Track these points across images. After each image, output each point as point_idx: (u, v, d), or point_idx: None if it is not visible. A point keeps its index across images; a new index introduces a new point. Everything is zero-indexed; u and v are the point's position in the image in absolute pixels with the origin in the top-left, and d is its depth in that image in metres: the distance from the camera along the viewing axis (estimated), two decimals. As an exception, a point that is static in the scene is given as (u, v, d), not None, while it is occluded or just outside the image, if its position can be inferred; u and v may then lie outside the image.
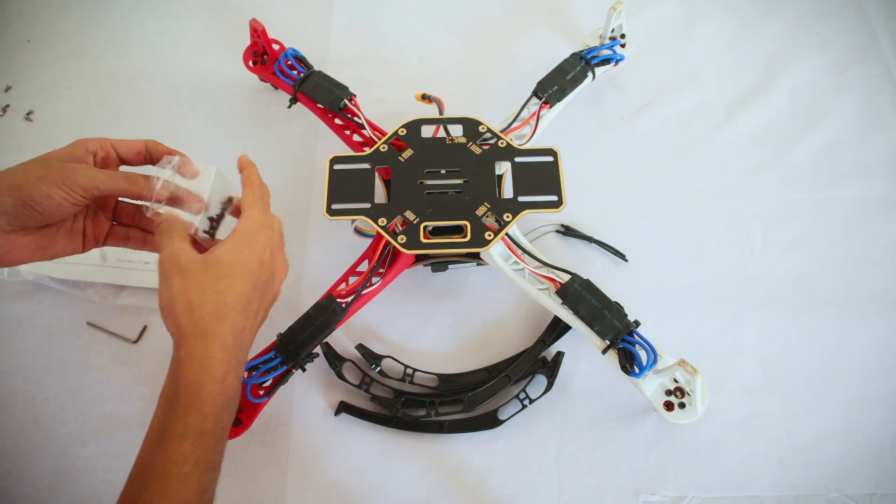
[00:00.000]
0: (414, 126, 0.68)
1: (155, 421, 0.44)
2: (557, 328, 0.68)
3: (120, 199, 0.55)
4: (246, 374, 0.60)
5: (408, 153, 0.66)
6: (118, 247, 0.55)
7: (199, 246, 0.50)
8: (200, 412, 0.43)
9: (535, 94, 0.73)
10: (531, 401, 0.64)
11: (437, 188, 0.64)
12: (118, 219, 0.55)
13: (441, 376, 0.66)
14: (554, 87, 0.73)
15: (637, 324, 0.61)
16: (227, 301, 0.46)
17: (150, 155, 0.53)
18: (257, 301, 0.49)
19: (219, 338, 0.45)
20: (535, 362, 0.67)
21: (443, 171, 0.65)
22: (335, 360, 0.66)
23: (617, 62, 0.78)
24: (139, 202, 0.53)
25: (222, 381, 0.45)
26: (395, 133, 0.67)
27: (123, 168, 0.53)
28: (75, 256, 0.69)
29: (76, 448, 0.64)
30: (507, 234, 0.63)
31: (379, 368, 0.66)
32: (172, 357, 0.45)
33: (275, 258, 0.51)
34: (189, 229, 0.49)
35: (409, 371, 0.66)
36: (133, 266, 0.71)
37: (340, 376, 0.66)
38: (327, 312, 0.61)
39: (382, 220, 0.62)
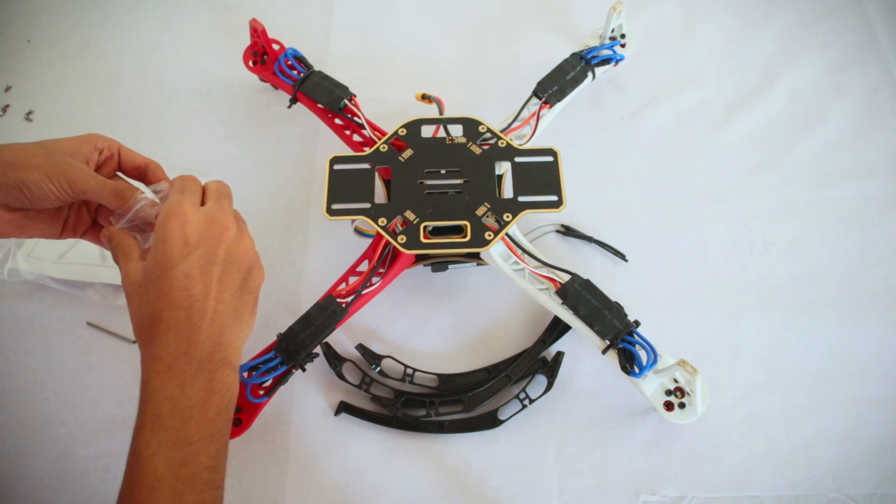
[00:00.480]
0: (414, 126, 0.68)
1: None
2: (557, 328, 0.68)
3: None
4: (246, 374, 0.60)
5: (408, 153, 0.66)
6: (94, 244, 0.55)
7: None
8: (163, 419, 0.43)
9: (535, 94, 0.73)
10: (531, 401, 0.64)
11: (437, 188, 0.64)
12: (98, 219, 0.55)
13: (441, 376, 0.66)
14: (554, 87, 0.73)
15: (637, 324, 0.61)
16: (158, 303, 0.44)
17: (147, 175, 0.54)
18: (205, 283, 0.45)
19: (159, 344, 0.44)
20: (535, 362, 0.67)
21: (443, 171, 0.65)
22: (335, 360, 0.66)
23: (617, 62, 0.78)
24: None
25: (179, 392, 0.43)
26: (395, 133, 0.67)
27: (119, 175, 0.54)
28: (75, 256, 0.69)
29: (76, 448, 0.64)
30: (507, 234, 0.63)
31: (379, 368, 0.66)
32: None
33: (208, 232, 0.46)
34: (136, 250, 0.48)
35: (410, 371, 0.66)
36: None
37: (340, 376, 0.66)
38: (327, 312, 0.61)
39: (382, 220, 0.62)
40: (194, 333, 0.44)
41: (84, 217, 0.54)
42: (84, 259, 0.70)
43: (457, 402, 0.65)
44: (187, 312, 0.44)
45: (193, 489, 0.42)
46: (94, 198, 0.49)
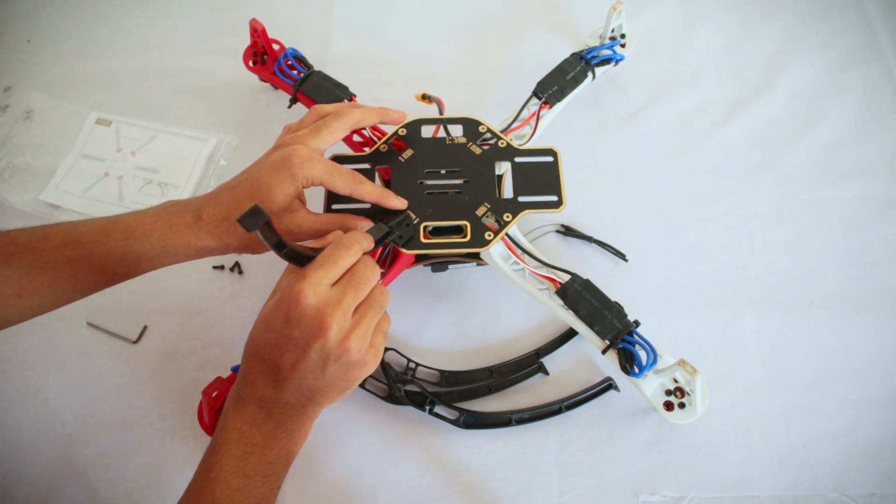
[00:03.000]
0: (414, 126, 0.68)
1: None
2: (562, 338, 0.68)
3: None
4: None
5: (408, 153, 0.66)
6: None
7: None
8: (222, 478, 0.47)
9: (535, 94, 0.73)
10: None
11: (437, 188, 0.64)
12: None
13: (443, 373, 0.66)
14: (554, 87, 0.73)
15: (637, 324, 0.61)
16: (263, 342, 0.48)
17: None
18: (294, 361, 0.46)
19: (246, 381, 0.49)
20: (533, 365, 0.67)
21: (443, 171, 0.65)
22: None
23: (617, 62, 0.78)
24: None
25: (246, 451, 0.48)
26: (395, 133, 0.67)
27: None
28: (96, 193, 0.77)
29: (76, 448, 0.64)
30: (507, 234, 0.63)
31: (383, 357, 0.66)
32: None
33: (308, 324, 0.45)
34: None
35: (412, 365, 0.66)
36: None
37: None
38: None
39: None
40: (275, 389, 0.47)
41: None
42: (104, 197, 0.77)
43: (458, 403, 0.65)
44: (274, 372, 0.47)
45: None
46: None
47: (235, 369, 0.60)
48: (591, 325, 0.61)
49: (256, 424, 0.47)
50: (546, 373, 0.67)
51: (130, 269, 0.53)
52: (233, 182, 0.54)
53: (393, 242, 0.59)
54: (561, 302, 0.62)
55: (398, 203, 0.59)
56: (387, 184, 0.67)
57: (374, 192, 0.58)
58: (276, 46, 0.77)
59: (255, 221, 0.41)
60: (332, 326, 0.45)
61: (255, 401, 0.48)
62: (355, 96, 0.72)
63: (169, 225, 0.51)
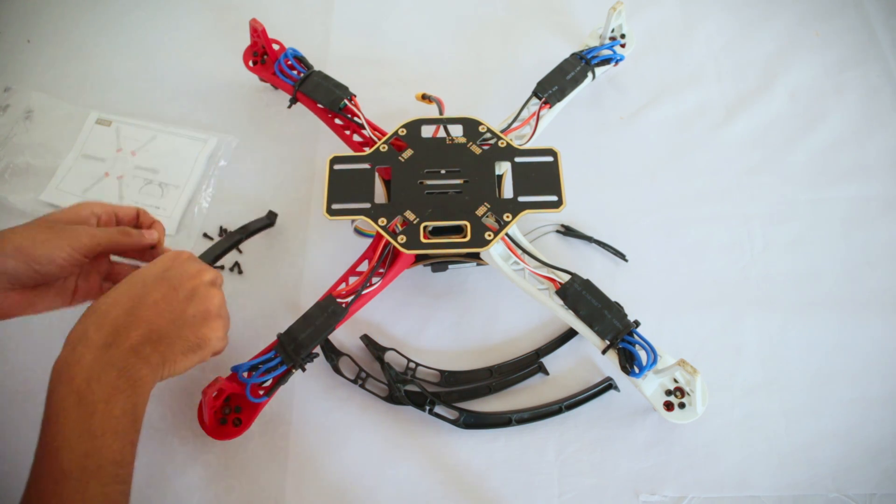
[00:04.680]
0: (414, 126, 0.68)
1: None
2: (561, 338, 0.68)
3: (114, 258, 0.60)
4: (246, 374, 0.60)
5: (408, 153, 0.66)
6: None
7: None
8: (83, 421, 0.45)
9: (535, 94, 0.73)
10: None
11: (437, 188, 0.64)
12: (112, 278, 0.59)
13: (443, 373, 0.67)
14: (554, 87, 0.73)
15: (637, 324, 0.61)
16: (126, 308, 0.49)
17: (139, 220, 0.60)
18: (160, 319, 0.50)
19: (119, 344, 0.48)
20: (533, 365, 0.67)
21: (443, 171, 0.65)
22: (332, 353, 0.66)
23: (617, 62, 0.78)
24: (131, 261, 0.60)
25: (108, 388, 0.46)
26: (395, 133, 0.67)
27: None
28: (96, 194, 0.77)
29: (76, 448, 0.64)
30: (507, 234, 0.63)
31: (385, 361, 0.66)
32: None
33: (183, 282, 0.52)
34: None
35: (412, 365, 0.66)
36: None
37: (336, 370, 0.66)
38: (327, 312, 0.61)
39: (382, 220, 0.62)
40: (117, 334, 0.48)
41: (94, 280, 0.58)
42: (104, 197, 0.77)
43: (457, 403, 0.65)
44: (128, 315, 0.49)
45: (99, 482, 0.44)
46: (108, 246, 0.54)
47: (235, 369, 0.60)
48: (591, 325, 0.61)
49: (94, 378, 0.45)
50: (546, 373, 0.67)
51: None
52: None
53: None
54: (561, 302, 0.62)
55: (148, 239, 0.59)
56: (387, 184, 0.67)
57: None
58: (276, 46, 0.77)
59: None
60: (206, 272, 0.54)
61: (92, 351, 0.46)
62: (355, 96, 0.72)
63: None
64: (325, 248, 0.74)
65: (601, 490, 0.62)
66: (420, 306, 0.71)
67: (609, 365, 0.67)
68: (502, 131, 0.69)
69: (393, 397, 0.65)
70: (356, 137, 0.72)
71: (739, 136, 0.80)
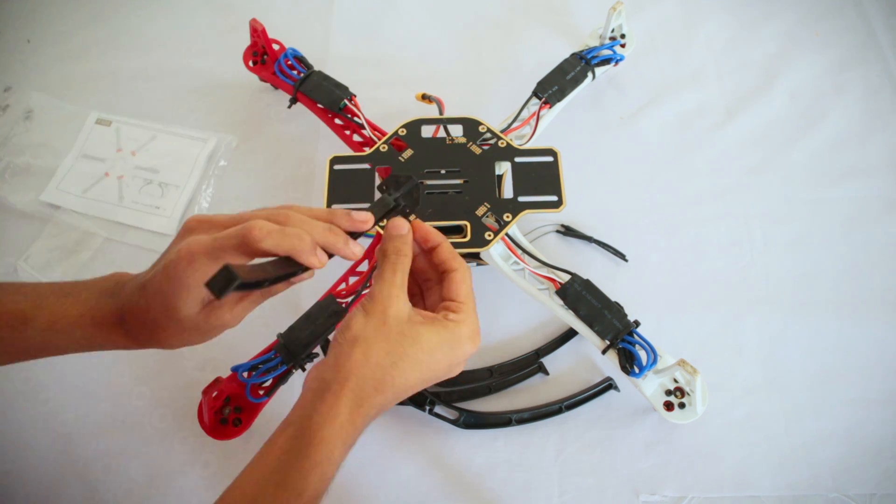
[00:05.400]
0: (414, 126, 0.68)
1: (272, 459, 0.41)
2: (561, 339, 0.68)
3: None
4: (246, 374, 0.60)
5: (408, 153, 0.66)
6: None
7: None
8: (323, 475, 0.41)
9: (535, 94, 0.73)
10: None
11: (437, 188, 0.64)
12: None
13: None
14: (554, 87, 0.73)
15: (637, 324, 0.61)
16: (396, 380, 0.42)
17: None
18: (416, 389, 0.45)
19: (366, 408, 0.42)
20: (533, 365, 0.67)
21: (443, 171, 0.65)
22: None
23: (617, 62, 0.78)
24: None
25: (348, 448, 0.42)
26: (395, 133, 0.67)
27: None
28: (96, 193, 0.77)
29: (76, 448, 0.64)
30: (507, 234, 0.63)
31: None
32: (312, 399, 0.42)
33: (459, 366, 0.46)
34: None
35: None
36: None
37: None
38: (327, 312, 0.61)
39: (382, 220, 0.62)
40: (368, 418, 0.44)
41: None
42: (104, 197, 0.76)
43: (456, 404, 0.65)
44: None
45: None
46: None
47: (235, 369, 0.60)
48: (591, 325, 0.61)
49: (340, 443, 0.42)
50: (546, 373, 0.67)
51: (50, 354, 0.49)
52: (146, 276, 0.44)
53: (402, 214, 0.50)
54: (561, 302, 0.62)
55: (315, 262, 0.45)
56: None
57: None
58: (276, 46, 0.77)
59: (225, 287, 0.35)
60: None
61: (345, 414, 0.42)
62: (355, 96, 0.72)
63: (94, 324, 0.46)
64: (325, 248, 0.74)
65: (601, 490, 0.62)
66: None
67: (609, 365, 0.67)
68: (502, 131, 0.69)
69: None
70: (356, 137, 0.72)
71: (739, 136, 0.80)
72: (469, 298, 0.46)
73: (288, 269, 0.42)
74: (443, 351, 0.44)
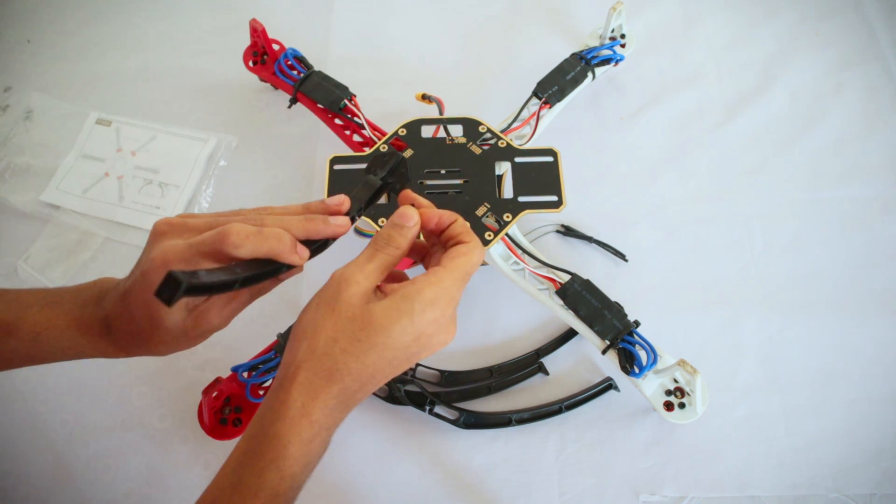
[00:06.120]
0: (414, 126, 0.68)
1: (232, 460, 0.40)
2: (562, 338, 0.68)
3: None
4: (246, 375, 0.60)
5: (408, 153, 0.66)
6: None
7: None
8: (280, 472, 0.39)
9: (535, 94, 0.73)
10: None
11: (437, 188, 0.64)
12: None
13: (443, 372, 0.66)
14: (554, 87, 0.73)
15: (637, 324, 0.61)
16: (350, 367, 0.39)
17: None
18: (385, 373, 0.41)
19: (322, 400, 0.39)
20: (533, 365, 0.67)
21: (443, 171, 0.65)
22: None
23: (617, 62, 0.78)
24: None
25: (308, 443, 0.40)
26: (395, 133, 0.67)
27: None
28: (96, 193, 0.76)
29: (76, 448, 0.64)
30: (506, 234, 0.63)
31: None
32: (268, 397, 0.41)
33: (434, 337, 0.42)
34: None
35: (412, 365, 0.66)
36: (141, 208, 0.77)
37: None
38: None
39: (382, 220, 0.62)
40: (343, 403, 0.42)
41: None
42: (104, 197, 0.76)
43: (457, 403, 0.65)
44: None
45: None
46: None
47: (235, 369, 0.60)
48: (591, 325, 0.61)
49: (308, 438, 0.40)
50: (546, 373, 0.67)
51: (37, 363, 0.47)
52: (126, 285, 0.43)
53: (393, 192, 0.48)
54: (561, 302, 0.62)
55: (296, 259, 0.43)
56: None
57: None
58: (276, 46, 0.77)
59: (172, 296, 0.33)
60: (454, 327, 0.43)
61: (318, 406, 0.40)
62: (355, 96, 0.72)
63: (81, 334, 0.45)
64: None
65: (601, 490, 0.62)
66: (420, 306, 0.71)
67: (609, 365, 0.67)
68: (502, 131, 0.69)
69: (393, 397, 0.65)
70: (356, 137, 0.72)
71: (739, 136, 0.80)
72: (455, 267, 0.42)
73: (265, 268, 0.41)
74: (401, 325, 0.40)
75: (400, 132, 0.67)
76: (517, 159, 0.66)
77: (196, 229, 0.42)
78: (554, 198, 0.64)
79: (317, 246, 0.44)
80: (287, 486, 0.39)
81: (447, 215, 0.45)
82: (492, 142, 0.67)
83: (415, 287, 0.41)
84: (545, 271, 0.64)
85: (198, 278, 0.35)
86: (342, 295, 0.41)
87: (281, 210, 0.44)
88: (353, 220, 0.45)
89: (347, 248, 0.71)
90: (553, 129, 0.75)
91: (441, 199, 0.63)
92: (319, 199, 0.44)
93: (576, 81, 0.74)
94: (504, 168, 0.67)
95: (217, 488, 0.40)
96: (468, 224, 0.45)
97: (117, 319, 0.43)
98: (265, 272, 0.41)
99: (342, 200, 0.44)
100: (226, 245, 0.39)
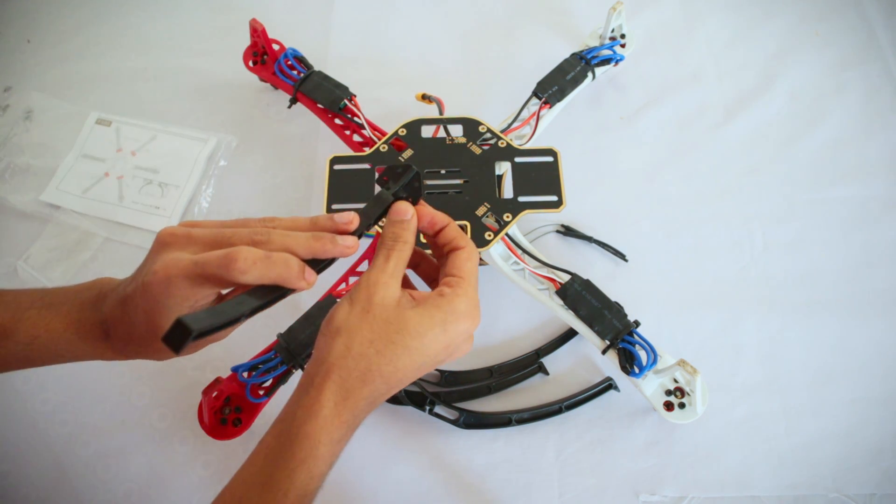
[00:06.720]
0: (414, 126, 0.68)
1: (259, 458, 0.40)
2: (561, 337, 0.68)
3: None
4: (246, 374, 0.60)
5: (408, 153, 0.66)
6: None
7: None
8: (310, 472, 0.39)
9: (535, 94, 0.73)
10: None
11: (437, 188, 0.64)
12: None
13: (443, 373, 0.66)
14: (554, 87, 0.73)
15: (637, 324, 0.61)
16: (382, 369, 0.40)
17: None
18: (410, 377, 0.42)
19: (353, 401, 0.40)
20: (533, 365, 0.67)
21: (443, 171, 0.65)
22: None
23: (617, 62, 0.78)
24: None
25: (337, 443, 0.40)
26: (395, 133, 0.67)
27: None
28: (96, 193, 0.76)
29: (76, 448, 0.64)
30: (507, 234, 0.63)
31: None
32: (297, 395, 0.41)
33: (460, 347, 0.43)
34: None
35: None
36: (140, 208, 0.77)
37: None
38: (327, 312, 0.61)
39: (382, 220, 0.62)
40: (370, 405, 0.42)
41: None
42: (104, 197, 0.76)
43: (457, 403, 0.65)
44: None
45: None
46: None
47: (235, 369, 0.60)
48: (591, 325, 0.61)
49: (327, 439, 0.40)
50: (546, 373, 0.67)
51: (35, 366, 0.47)
52: (126, 291, 0.42)
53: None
54: (561, 302, 0.62)
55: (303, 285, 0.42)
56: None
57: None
58: (276, 46, 0.77)
59: (181, 343, 0.34)
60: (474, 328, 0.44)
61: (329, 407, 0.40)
62: (355, 96, 0.72)
63: (79, 337, 0.44)
64: (325, 248, 0.74)
65: (601, 490, 0.62)
66: (420, 306, 0.71)
67: (609, 365, 0.67)
68: (502, 131, 0.69)
69: (393, 397, 0.65)
70: (356, 137, 0.72)
71: (739, 136, 0.80)
72: (471, 276, 0.44)
73: (272, 294, 0.40)
74: (434, 333, 0.41)
75: (400, 132, 0.67)
76: (517, 159, 0.66)
77: (201, 242, 0.41)
78: (554, 198, 0.64)
79: (323, 265, 0.43)
80: (315, 486, 0.40)
81: (439, 215, 0.46)
82: (492, 142, 0.67)
83: (445, 298, 0.42)
84: (545, 271, 0.64)
85: (206, 323, 0.35)
86: (375, 297, 0.41)
87: (289, 222, 0.44)
88: (360, 237, 0.44)
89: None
90: (553, 129, 0.75)
91: (441, 199, 0.63)
92: (328, 215, 0.44)
93: (576, 81, 0.75)
94: (504, 168, 0.67)
95: (244, 486, 0.40)
96: (458, 226, 0.46)
97: (116, 324, 0.43)
98: (271, 300, 0.40)
99: (351, 219, 0.44)
100: (232, 271, 0.38)
